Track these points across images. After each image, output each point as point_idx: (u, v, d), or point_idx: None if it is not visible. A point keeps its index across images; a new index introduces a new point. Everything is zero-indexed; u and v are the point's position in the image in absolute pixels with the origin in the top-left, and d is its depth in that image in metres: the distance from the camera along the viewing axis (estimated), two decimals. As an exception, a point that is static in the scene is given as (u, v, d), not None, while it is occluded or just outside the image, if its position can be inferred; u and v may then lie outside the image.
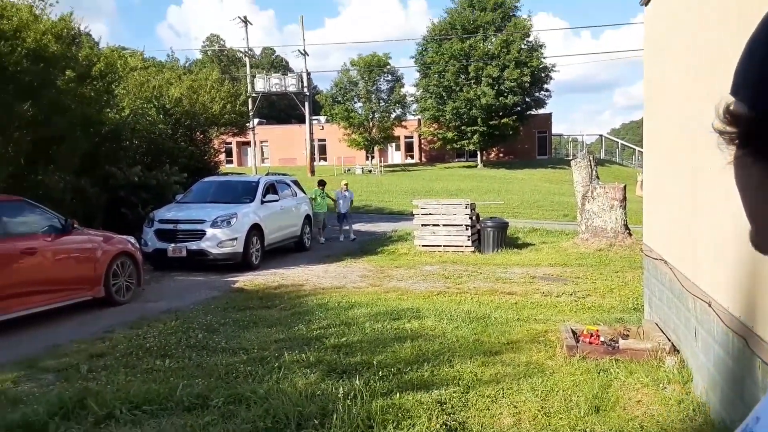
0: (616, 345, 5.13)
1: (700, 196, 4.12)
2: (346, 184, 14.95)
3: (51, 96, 10.02)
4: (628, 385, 4.40)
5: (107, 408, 3.76)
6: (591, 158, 12.55)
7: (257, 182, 11.59)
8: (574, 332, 5.51)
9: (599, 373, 4.64)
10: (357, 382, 4.37)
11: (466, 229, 11.97)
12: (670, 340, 5.09)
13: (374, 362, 4.92)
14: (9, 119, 9.68)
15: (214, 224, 9.87)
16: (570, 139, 56.89)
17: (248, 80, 36.26)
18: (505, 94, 38.86)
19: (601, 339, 5.22)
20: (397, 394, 4.16)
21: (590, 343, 5.18)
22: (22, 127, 10.00)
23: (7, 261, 6.05)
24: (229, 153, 44.02)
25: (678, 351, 4.93)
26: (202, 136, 17.57)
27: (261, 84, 39.14)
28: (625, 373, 4.61)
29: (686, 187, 4.47)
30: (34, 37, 9.51)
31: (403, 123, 44.28)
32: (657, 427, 3.69)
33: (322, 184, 14.83)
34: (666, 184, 5.26)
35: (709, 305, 3.99)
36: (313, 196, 14.18)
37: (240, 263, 10.03)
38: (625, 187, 11.85)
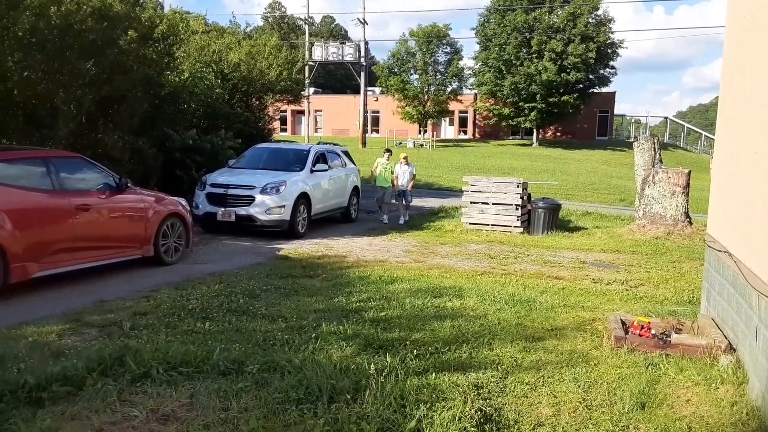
0: (668, 339, 4.85)
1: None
2: (406, 157, 13.46)
3: (113, 56, 10.22)
4: (677, 383, 4.16)
5: (144, 367, 3.82)
6: (655, 141, 11.93)
7: (308, 151, 11.59)
8: (623, 323, 5.25)
9: (647, 368, 4.41)
10: (393, 358, 4.30)
11: (516, 209, 11.66)
12: (726, 338, 4.78)
13: (412, 339, 4.84)
14: (72, 77, 9.93)
15: (263, 191, 9.95)
16: (633, 121, 54.67)
17: (306, 48, 36.24)
18: (568, 71, 37.52)
19: (652, 332, 4.96)
20: (433, 374, 4.06)
21: (640, 335, 4.92)
22: (85, 85, 10.25)
23: (61, 216, 6.24)
24: (283, 121, 44.54)
25: (734, 350, 4.62)
26: (257, 102, 17.73)
27: (318, 52, 39.11)
28: (675, 370, 4.37)
29: (764, 175, 4.11)
30: (99, -5, 9.67)
31: (459, 97, 43.51)
32: (706, 429, 3.46)
33: (388, 152, 13.51)
34: (740, 171, 4.86)
35: (776, 305, 3.69)
36: (377, 166, 13.10)
37: (286, 231, 10.11)
38: (689, 172, 11.23)
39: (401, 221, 12.91)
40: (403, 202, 13.11)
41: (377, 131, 47.71)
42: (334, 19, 67.90)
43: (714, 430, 3.45)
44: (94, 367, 3.72)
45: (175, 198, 8.19)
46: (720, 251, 5.28)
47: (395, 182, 12.98)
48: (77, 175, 6.88)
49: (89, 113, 10.57)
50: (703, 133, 51.21)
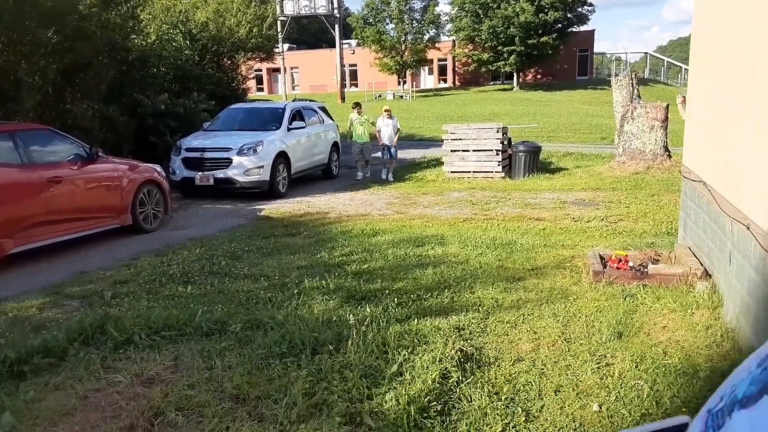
0: (645, 270, 4.94)
1: (753, 113, 3.77)
2: (388, 110, 12.59)
3: (74, 22, 9.85)
4: (654, 311, 4.25)
5: (126, 333, 3.82)
6: (632, 76, 11.84)
7: (283, 109, 11.39)
8: (602, 257, 5.32)
9: (625, 299, 4.49)
10: (375, 308, 4.34)
11: (497, 154, 11.62)
12: (702, 265, 4.87)
13: (394, 289, 4.88)
14: (34, 47, 9.59)
15: (240, 152, 9.81)
16: (613, 58, 54.16)
17: (277, 2, 35.16)
18: (546, 10, 36.85)
19: (630, 264, 5.03)
20: (415, 321, 4.12)
21: (618, 268, 5.00)
22: (47, 55, 9.91)
23: (33, 190, 6.13)
24: (259, 80, 43.63)
25: (710, 276, 4.72)
26: (229, 62, 17.26)
27: (290, 6, 37.93)
28: (652, 299, 4.46)
29: (737, 104, 4.10)
30: (54, -40, 9.25)
31: (437, 45, 42.70)
32: (681, 353, 3.55)
33: (357, 106, 12.71)
34: (714, 102, 4.85)
35: (748, 228, 3.74)
36: (350, 122, 12.41)
37: (266, 191, 10.03)
38: (667, 106, 11.20)
39: (384, 176, 12.31)
40: (389, 157, 12.40)
41: (356, 85, 46.94)
42: (304, -29, 65.66)
43: (689, 353, 3.55)
44: (76, 337, 3.72)
45: (150, 165, 8.06)
46: (695, 181, 5.32)
47: (378, 137, 12.35)
48: (47, 147, 6.73)
49: (54, 83, 10.26)
50: (683, 66, 50.92)
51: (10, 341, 3.75)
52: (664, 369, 3.34)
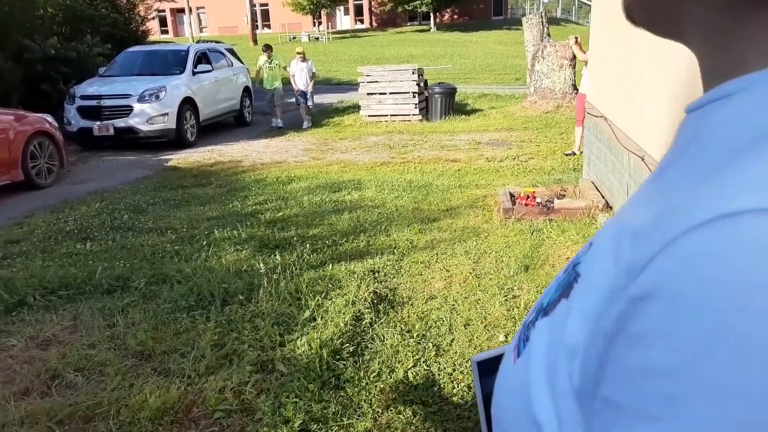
0: (551, 205, 5.12)
1: (646, 50, 3.89)
2: (302, 53, 11.68)
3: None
4: (559, 243, 4.43)
5: (18, 295, 3.56)
6: (542, 15, 11.97)
7: (187, 51, 10.70)
8: (512, 195, 5.47)
9: (532, 234, 4.65)
10: (289, 256, 4.26)
11: (413, 97, 11.56)
12: (604, 198, 5.11)
13: (309, 236, 4.81)
14: None
15: (141, 99, 9.18)
16: (527, -2, 54.71)
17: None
18: (459, -51, 36.38)
19: (537, 200, 5.20)
20: (330, 266, 4.08)
21: (526, 204, 5.15)
22: None
23: None
24: (163, 22, 40.89)
25: (611, 208, 4.97)
26: (125, 1, 15.97)
27: (192, -59, 35.33)
28: (557, 232, 4.64)
29: (634, 42, 4.21)
30: None
31: (352, -16, 41.43)
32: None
33: (267, 49, 11.65)
34: (612, 40, 4.97)
35: (642, 159, 3.92)
36: (259, 67, 11.54)
37: (173, 140, 9.49)
38: (575, 45, 11.46)
39: (305, 126, 11.63)
40: (306, 103, 11.68)
41: (269, 26, 44.96)
42: None
43: (588, 282, 3.73)
44: (-41, 303, 3.42)
45: (39, 115, 7.39)
46: (597, 116, 5.51)
47: (292, 83, 11.65)
48: None
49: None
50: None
51: None
52: (566, 297, 3.50)
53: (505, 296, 3.59)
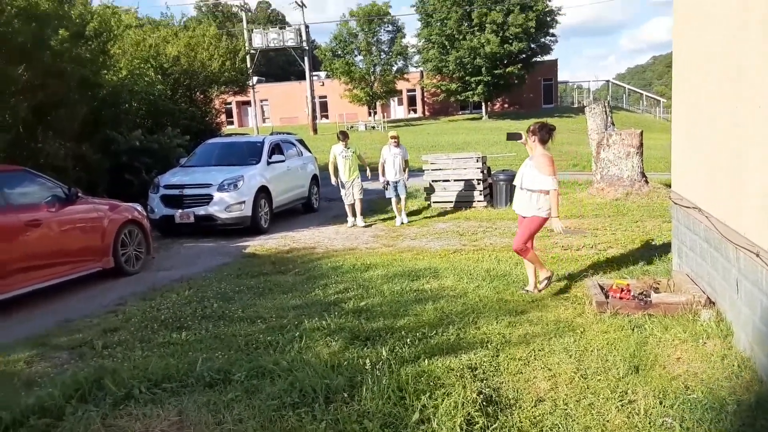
0: (648, 299, 4.92)
1: (751, 133, 3.80)
2: (395, 138, 10.45)
3: (45, 58, 9.63)
4: (665, 342, 4.21)
5: (125, 387, 3.59)
6: (606, 104, 12.12)
7: (262, 142, 11.26)
8: (601, 287, 5.30)
9: (633, 330, 4.45)
10: (382, 349, 4.20)
11: (478, 184, 11.68)
12: (704, 293, 4.88)
13: (397, 327, 4.75)
14: (4, 84, 9.32)
15: (220, 188, 9.62)
16: (575, 86, 55.80)
17: (245, 36, 35.29)
18: (510, 41, 37.85)
19: (632, 293, 5.02)
20: (425, 361, 3.98)
21: (621, 298, 4.97)
22: (18, 92, 9.65)
23: (10, 234, 5.83)
24: (229, 113, 43.47)
25: (714, 304, 4.72)
26: (202, 96, 17.14)
27: (258, 39, 38.19)
28: (660, 329, 4.42)
29: (732, 125, 4.14)
30: (24, -5, 9.06)
31: (405, 76, 43.43)
32: (702, 386, 3.50)
33: (344, 137, 10.51)
34: (703, 124, 4.90)
35: (757, 255, 3.74)
36: (334, 156, 10.42)
37: (249, 227, 9.82)
38: (641, 133, 11.47)
39: (399, 222, 10.34)
40: (398, 194, 10.35)
41: (327, 117, 47.15)
42: (270, 4, 66.36)
43: (710, 386, 3.50)
44: (72, 394, 3.48)
45: (130, 204, 7.81)
46: (689, 207, 5.36)
47: (381, 171, 10.41)
48: (22, 189, 6.44)
49: (26, 121, 9.98)
50: (644, 93, 52.80)
51: (2, 401, 3.47)
52: (689, 404, 3.27)
53: (620, 400, 3.39)
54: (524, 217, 5.71)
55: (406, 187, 10.63)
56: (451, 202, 11.78)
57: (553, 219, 5.53)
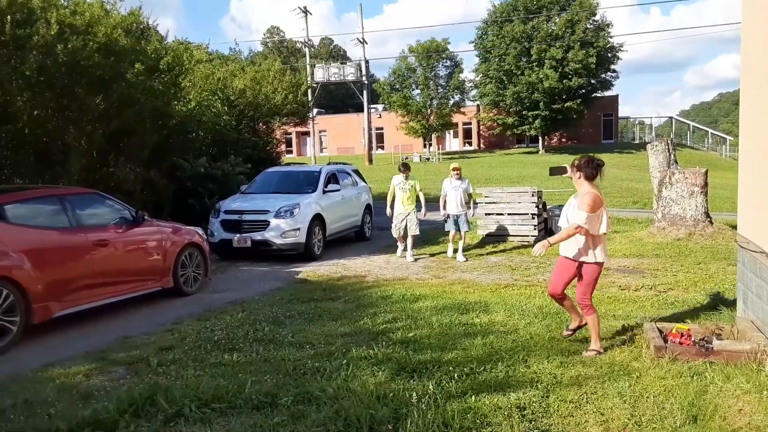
0: (710, 346, 4.69)
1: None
2: (458, 170, 10.03)
3: (121, 89, 10.26)
4: (726, 391, 3.99)
5: (177, 405, 3.70)
6: (669, 142, 11.79)
7: (319, 172, 11.54)
8: (660, 331, 5.09)
9: (693, 377, 4.25)
10: (428, 382, 4.16)
11: (533, 218, 11.51)
12: (771, 342, 4.61)
13: (444, 360, 4.71)
14: (82, 113, 9.97)
15: (277, 215, 9.88)
16: (636, 122, 54.51)
17: (308, 70, 36.47)
18: (570, 77, 37.49)
19: (693, 339, 4.80)
20: (472, 397, 3.92)
21: (681, 343, 4.76)
22: (94, 120, 10.28)
23: (80, 253, 6.18)
24: (288, 143, 44.72)
25: (781, 354, 4.46)
26: (264, 126, 17.79)
27: (320, 74, 39.43)
28: (721, 378, 4.20)
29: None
30: (104, 32, 9.72)
31: (462, 109, 43.66)
32: (766, 442, 3.30)
33: (405, 169, 10.24)
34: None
35: (829, 306, 3.53)
36: (393, 187, 10.20)
37: (302, 253, 10.01)
38: (706, 171, 11.07)
39: (451, 253, 10.10)
40: (456, 230, 10.00)
41: (382, 147, 47.78)
42: (333, 41, 68.49)
43: (774, 441, 3.29)
44: (126, 409, 3.61)
45: (192, 227, 8.13)
46: (755, 252, 5.12)
47: (443, 204, 10.06)
48: (93, 210, 6.84)
49: (100, 148, 10.60)
50: (709, 130, 51.01)
51: (60, 411, 3.65)
52: (751, 459, 3.09)
53: (677, 451, 3.23)
54: (566, 258, 5.03)
55: (468, 221, 10.22)
56: (504, 235, 11.64)
57: (543, 241, 4.87)
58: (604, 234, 4.97)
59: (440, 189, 10.45)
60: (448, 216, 10.07)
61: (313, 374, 4.42)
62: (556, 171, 5.60)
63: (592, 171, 4.98)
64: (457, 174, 10.03)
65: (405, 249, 10.28)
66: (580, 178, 5.03)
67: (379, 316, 6.24)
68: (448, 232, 10.30)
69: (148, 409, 3.69)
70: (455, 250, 10.15)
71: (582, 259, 4.96)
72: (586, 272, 4.99)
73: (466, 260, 9.84)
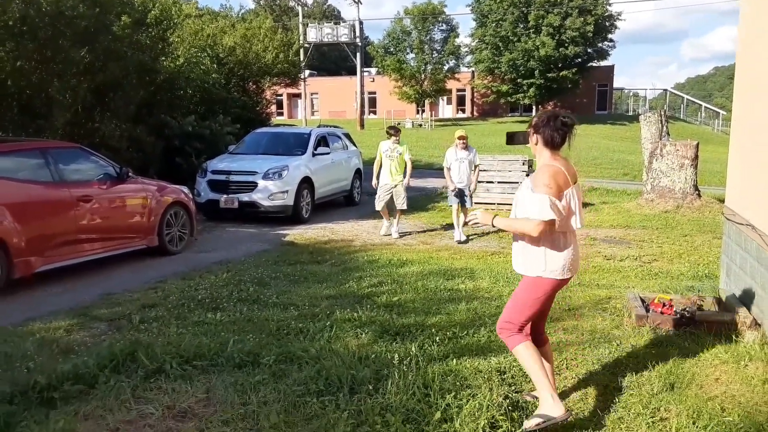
0: (691, 316, 4.74)
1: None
2: (464, 138, 8.73)
3: (107, 42, 10.00)
4: (704, 361, 4.05)
5: (157, 362, 3.70)
6: (662, 113, 11.74)
7: (309, 134, 11.39)
8: (642, 300, 5.14)
9: (672, 346, 4.30)
10: (411, 345, 4.18)
11: (523, 187, 11.47)
12: (751, 313, 4.67)
13: (428, 324, 4.73)
14: (66, 66, 9.72)
15: (265, 176, 9.78)
16: (631, 94, 54.25)
17: (300, 30, 35.74)
18: (566, 45, 37.06)
19: (674, 309, 4.84)
20: (454, 360, 3.95)
21: (662, 312, 4.80)
22: (79, 73, 10.04)
23: (63, 208, 6.09)
24: (279, 105, 44.10)
25: (759, 325, 4.51)
26: (254, 86, 17.47)
27: (313, 34, 38.62)
28: (700, 347, 4.25)
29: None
30: (90, -19, 9.41)
31: (456, 75, 43.10)
32: (739, 409, 3.35)
33: (395, 132, 9.17)
34: (765, 139, 4.69)
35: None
36: (379, 154, 9.10)
37: (290, 216, 9.96)
38: (697, 144, 11.06)
39: (458, 238, 8.73)
40: (463, 205, 8.73)
41: (374, 112, 47.30)
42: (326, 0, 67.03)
43: (747, 410, 3.34)
44: (106, 364, 3.60)
45: (178, 186, 8.03)
46: (741, 224, 5.14)
47: (447, 177, 8.78)
48: (77, 165, 6.71)
49: (85, 102, 10.37)
50: (703, 104, 50.88)
51: (40, 365, 3.63)
52: (724, 427, 3.14)
53: (652, 417, 3.27)
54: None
55: (471, 197, 9.01)
56: (493, 203, 11.64)
57: (487, 215, 3.44)
58: (573, 232, 3.26)
59: (431, 158, 10.37)
60: (454, 190, 8.74)
61: (296, 335, 4.43)
62: (516, 139, 3.90)
63: (553, 134, 3.09)
64: (463, 143, 8.69)
65: (389, 226, 9.27)
66: (537, 143, 3.17)
67: (365, 279, 6.24)
68: (451, 207, 9.08)
69: (129, 365, 3.68)
70: (458, 228, 8.85)
71: (532, 273, 3.37)
72: (525, 287, 3.48)
73: (467, 241, 8.79)
